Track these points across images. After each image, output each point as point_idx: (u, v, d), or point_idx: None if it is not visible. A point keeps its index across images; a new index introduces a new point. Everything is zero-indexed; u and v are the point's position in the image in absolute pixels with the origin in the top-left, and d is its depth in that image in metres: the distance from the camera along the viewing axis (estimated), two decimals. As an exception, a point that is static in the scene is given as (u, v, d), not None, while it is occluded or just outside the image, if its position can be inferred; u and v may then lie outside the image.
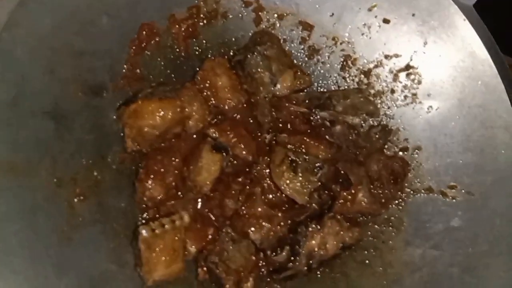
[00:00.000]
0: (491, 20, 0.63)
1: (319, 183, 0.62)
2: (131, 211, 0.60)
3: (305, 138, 0.63)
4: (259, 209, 0.62)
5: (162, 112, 0.58)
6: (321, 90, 0.68)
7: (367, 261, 0.63)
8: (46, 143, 0.55)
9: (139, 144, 0.59)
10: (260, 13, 0.67)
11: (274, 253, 0.62)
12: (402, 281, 0.62)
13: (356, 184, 0.62)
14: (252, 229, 0.61)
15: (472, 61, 0.63)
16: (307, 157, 0.61)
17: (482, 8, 0.64)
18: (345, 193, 0.62)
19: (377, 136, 0.65)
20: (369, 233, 0.65)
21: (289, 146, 0.62)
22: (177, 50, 0.66)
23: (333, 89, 0.68)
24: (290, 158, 0.61)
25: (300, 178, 0.61)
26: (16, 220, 0.50)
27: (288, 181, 0.61)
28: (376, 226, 0.65)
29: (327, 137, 0.64)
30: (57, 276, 0.51)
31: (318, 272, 0.63)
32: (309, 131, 0.65)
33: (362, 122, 0.66)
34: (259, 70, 0.64)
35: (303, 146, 0.62)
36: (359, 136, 0.65)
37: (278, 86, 0.64)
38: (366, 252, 0.64)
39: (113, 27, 0.61)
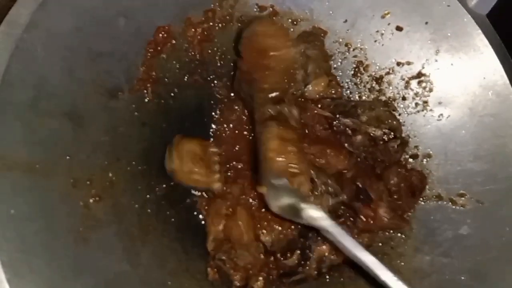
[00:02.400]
0: (504, 29, 0.64)
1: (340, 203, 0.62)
2: (145, 212, 0.61)
3: (325, 148, 0.63)
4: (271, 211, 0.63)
5: None
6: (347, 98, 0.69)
7: (376, 267, 0.64)
8: (64, 144, 0.55)
9: None
10: (274, 18, 0.68)
11: (284, 257, 0.62)
12: (411, 288, 0.62)
13: (376, 199, 0.62)
14: (263, 231, 0.62)
15: (484, 70, 0.64)
16: (328, 181, 0.62)
17: (495, 18, 0.64)
18: (366, 211, 0.61)
19: (395, 149, 0.65)
20: (378, 239, 0.65)
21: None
22: (192, 53, 0.67)
23: (345, 95, 0.69)
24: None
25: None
26: (36, 220, 0.50)
27: None
28: (385, 233, 0.65)
29: (346, 145, 0.65)
30: (74, 276, 0.51)
31: (328, 277, 0.63)
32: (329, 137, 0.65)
33: (384, 136, 0.65)
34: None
35: (322, 156, 0.63)
36: (378, 149, 0.65)
37: (310, 88, 0.64)
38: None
39: (130, 29, 0.61)
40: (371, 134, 0.65)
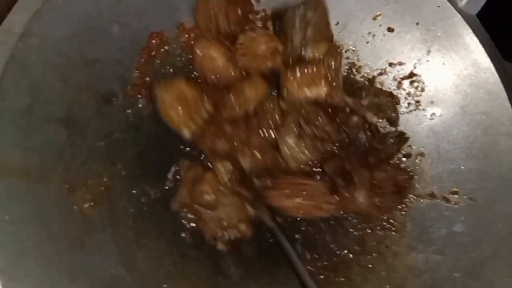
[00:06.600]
0: (493, 28, 0.64)
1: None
2: (140, 216, 0.61)
3: (321, 112, 0.63)
4: (255, 139, 0.63)
5: None
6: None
7: (370, 266, 0.64)
8: (59, 150, 0.56)
9: None
10: (267, 22, 0.69)
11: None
12: (406, 286, 0.62)
13: (358, 186, 0.62)
14: (244, 157, 0.62)
15: (475, 69, 0.64)
16: (314, 130, 0.62)
17: (485, 17, 0.65)
18: (345, 193, 0.62)
19: (392, 141, 0.65)
20: (373, 238, 0.65)
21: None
22: (186, 58, 0.67)
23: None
24: (299, 125, 0.62)
25: (303, 145, 0.62)
26: (31, 224, 0.51)
27: (289, 143, 0.62)
28: (379, 231, 0.66)
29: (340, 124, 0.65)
30: (69, 280, 0.52)
31: (322, 276, 0.64)
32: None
33: (380, 127, 0.66)
34: (291, 27, 0.64)
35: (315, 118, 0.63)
36: (375, 138, 0.65)
37: (310, 54, 0.64)
38: (369, 256, 0.64)
39: (124, 36, 0.62)
40: (368, 120, 0.65)
